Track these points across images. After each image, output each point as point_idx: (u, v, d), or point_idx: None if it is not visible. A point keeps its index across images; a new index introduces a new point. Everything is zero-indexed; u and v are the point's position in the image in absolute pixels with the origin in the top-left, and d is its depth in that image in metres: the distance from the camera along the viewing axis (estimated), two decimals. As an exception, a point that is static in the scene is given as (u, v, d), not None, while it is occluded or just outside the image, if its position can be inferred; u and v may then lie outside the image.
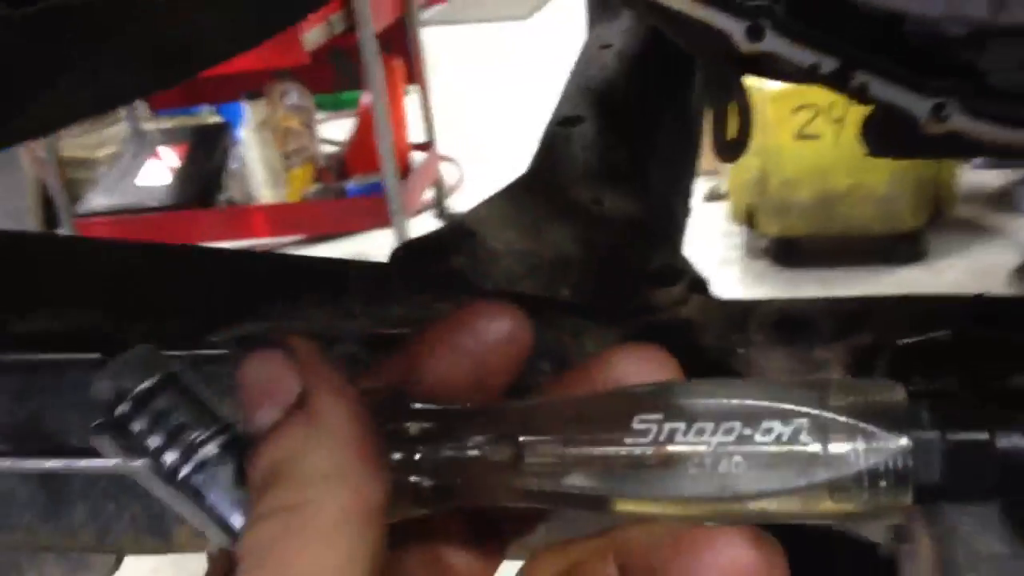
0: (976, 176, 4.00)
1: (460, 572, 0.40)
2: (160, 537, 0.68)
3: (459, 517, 0.40)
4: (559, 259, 0.87)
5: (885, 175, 3.41)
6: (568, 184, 1.01)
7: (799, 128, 3.39)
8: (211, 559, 0.36)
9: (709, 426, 0.34)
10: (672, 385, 0.38)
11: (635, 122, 1.14)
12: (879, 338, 0.77)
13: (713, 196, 4.18)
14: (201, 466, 0.35)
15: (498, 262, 0.84)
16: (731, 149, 0.93)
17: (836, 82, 0.81)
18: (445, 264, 0.82)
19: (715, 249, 3.98)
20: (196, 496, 0.34)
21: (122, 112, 4.19)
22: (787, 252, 3.71)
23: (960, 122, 0.79)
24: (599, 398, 0.38)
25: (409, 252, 0.83)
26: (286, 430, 0.33)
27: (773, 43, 0.80)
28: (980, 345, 0.70)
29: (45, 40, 0.80)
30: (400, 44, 3.84)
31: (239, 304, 0.70)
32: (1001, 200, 3.94)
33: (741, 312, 0.84)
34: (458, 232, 0.86)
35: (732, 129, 0.99)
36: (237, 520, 0.34)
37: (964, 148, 0.81)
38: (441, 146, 4.47)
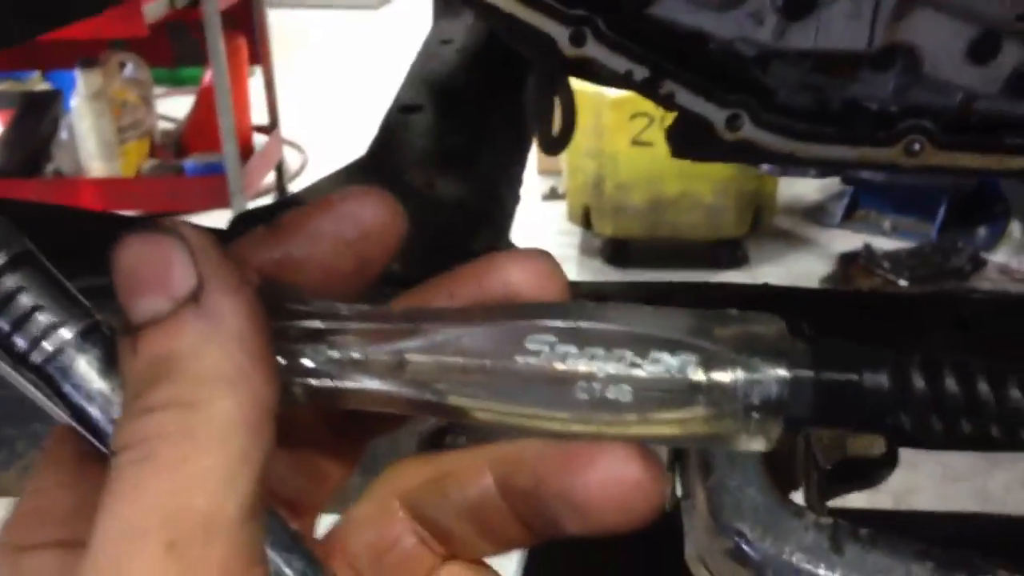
0: (794, 190, 4.29)
1: (323, 469, 0.40)
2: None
3: (323, 414, 0.39)
4: None
5: (711, 185, 3.62)
6: (403, 167, 1.07)
7: (635, 135, 3.55)
8: (54, 439, 0.35)
9: (600, 352, 0.35)
10: (567, 306, 0.37)
11: (470, 113, 1.21)
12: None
13: (552, 195, 4.32)
14: (57, 353, 0.32)
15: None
16: (555, 144, 1.01)
17: (647, 89, 0.91)
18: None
19: (552, 247, 4.10)
20: (50, 383, 0.32)
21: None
22: (620, 253, 3.88)
23: (750, 132, 0.90)
24: (492, 311, 0.37)
25: (242, 224, 0.86)
26: (179, 324, 0.31)
27: (593, 50, 0.89)
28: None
29: None
30: (245, 22, 3.79)
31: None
32: (816, 213, 4.24)
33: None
34: (293, 206, 0.90)
35: (557, 125, 1.07)
36: (96, 412, 0.32)
37: (754, 156, 0.91)
38: (286, 130, 4.43)
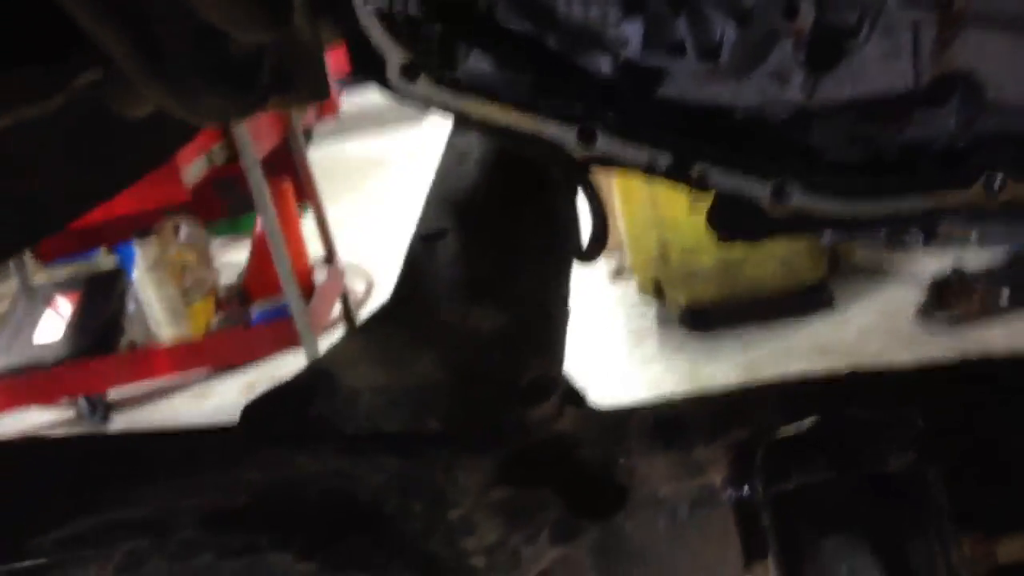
0: (868, 220, 4.10)
1: None
2: None
3: None
4: (425, 388, 0.84)
5: (781, 233, 3.47)
6: (432, 305, 0.98)
7: (692, 197, 3.45)
8: None
9: None
10: None
11: (499, 230, 1.12)
12: (755, 430, 0.74)
13: (619, 272, 4.21)
14: None
15: (358, 402, 0.80)
16: (589, 251, 0.91)
17: (676, 175, 0.81)
18: (301, 413, 0.78)
19: (629, 323, 3.99)
20: None
21: (10, 267, 4.07)
22: (699, 318, 3.73)
23: (802, 200, 0.79)
24: None
25: (262, 407, 0.78)
26: None
27: (606, 145, 0.79)
28: (852, 427, 0.68)
29: None
30: (287, 164, 3.82)
31: (71, 497, 0.64)
32: (886, 241, 4.04)
33: (617, 421, 0.82)
34: (315, 376, 0.82)
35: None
36: None
37: (810, 225, 0.80)
38: (350, 258, 4.44)
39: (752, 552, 0.73)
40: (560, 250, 1.15)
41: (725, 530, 0.73)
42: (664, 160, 0.80)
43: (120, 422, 4.07)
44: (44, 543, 0.58)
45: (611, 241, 3.84)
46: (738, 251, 3.52)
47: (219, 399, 4.08)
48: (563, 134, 0.79)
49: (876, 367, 0.78)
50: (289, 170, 3.84)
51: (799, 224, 0.80)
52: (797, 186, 0.79)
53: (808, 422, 0.70)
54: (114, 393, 4.08)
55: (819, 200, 0.79)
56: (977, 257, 3.72)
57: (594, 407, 0.84)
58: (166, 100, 0.97)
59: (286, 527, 0.63)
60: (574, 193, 0.90)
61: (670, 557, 0.74)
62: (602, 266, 4.27)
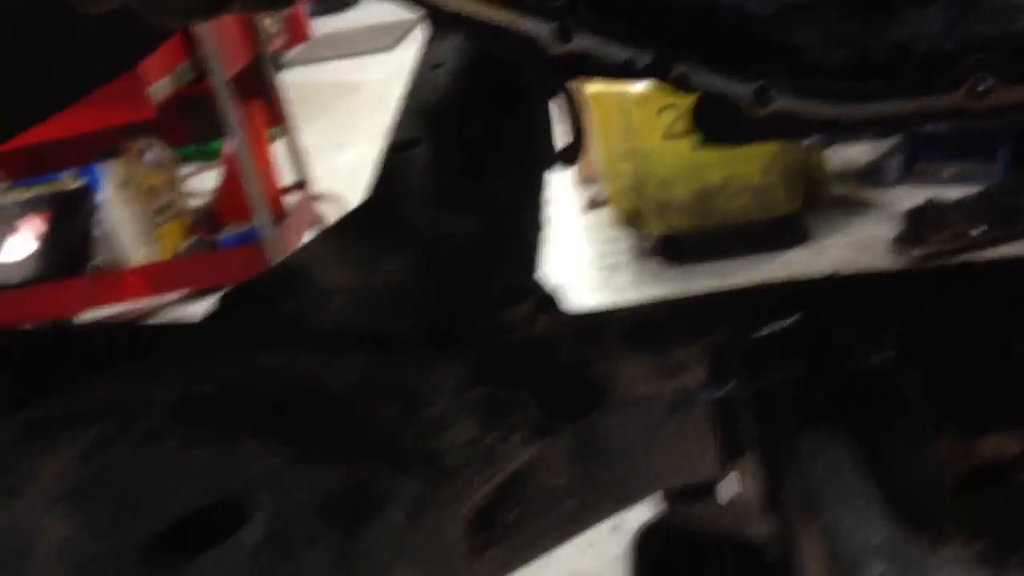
0: (845, 155, 4.10)
1: None
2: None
3: None
4: (397, 291, 0.82)
5: (756, 165, 3.47)
6: (405, 211, 0.96)
7: (667, 127, 3.42)
8: None
9: None
10: None
11: (471, 139, 1.10)
12: (734, 333, 0.74)
13: (594, 204, 4.19)
14: None
15: (330, 301, 0.78)
16: (566, 155, 0.90)
17: (655, 75, 0.79)
18: (273, 309, 0.76)
19: (603, 256, 3.98)
20: None
21: (-26, 188, 3.98)
22: (674, 249, 3.74)
23: (785, 102, 0.77)
24: None
25: (234, 300, 0.76)
26: None
27: (583, 42, 0.77)
28: (831, 327, 0.68)
29: None
30: (258, 87, 3.75)
31: (36, 385, 0.63)
32: (872, 175, 4.05)
33: (594, 324, 0.81)
34: (286, 274, 0.80)
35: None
36: None
37: (792, 129, 0.79)
38: (322, 184, 4.39)
39: (729, 451, 0.73)
40: (534, 160, 1.13)
41: (702, 430, 0.73)
42: (643, 59, 0.78)
43: (89, 346, 4.03)
44: (12, 423, 0.57)
45: (587, 172, 3.82)
46: (714, 182, 3.51)
47: (189, 325, 4.05)
48: (539, 29, 0.77)
49: (856, 271, 0.78)
50: (260, 93, 3.77)
51: (782, 127, 0.79)
52: (780, 87, 0.77)
53: (787, 322, 0.69)
54: (83, 316, 4.04)
55: (802, 102, 0.77)
56: (952, 190, 3.74)
57: (570, 312, 0.83)
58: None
59: (256, 420, 0.62)
60: (548, 97, 0.88)
61: (646, 457, 0.74)
62: (577, 197, 4.25)
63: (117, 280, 3.54)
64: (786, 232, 3.70)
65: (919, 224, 3.55)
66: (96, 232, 3.68)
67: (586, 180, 4.22)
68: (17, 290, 3.53)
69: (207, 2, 1.01)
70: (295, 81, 6.98)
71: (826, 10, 0.73)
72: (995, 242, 3.43)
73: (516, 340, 0.80)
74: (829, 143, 0.81)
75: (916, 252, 3.46)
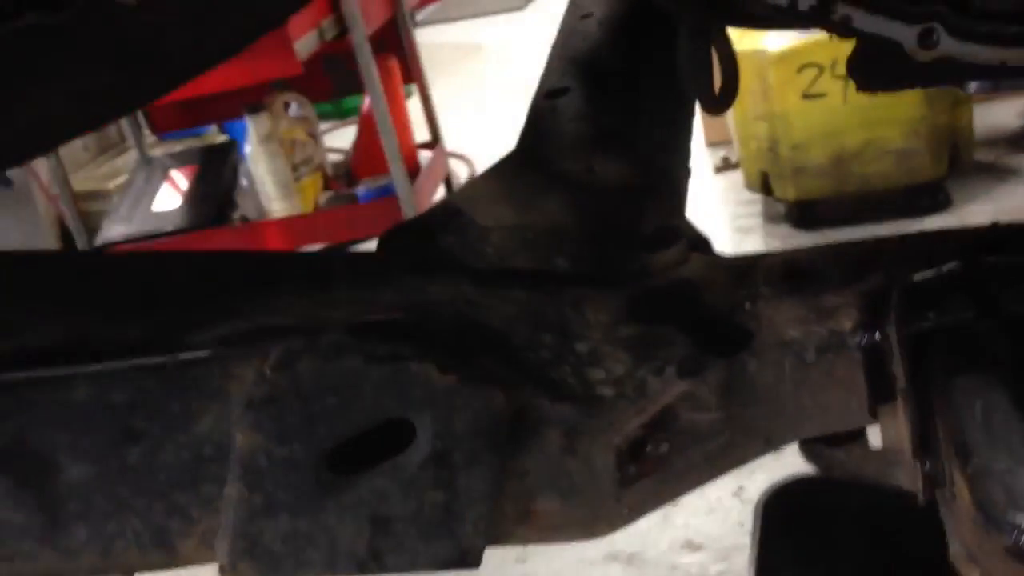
0: (992, 120, 3.92)
1: None
2: (165, 552, 0.67)
3: None
4: (552, 230, 0.85)
5: (899, 128, 3.35)
6: (557, 155, 0.98)
7: (805, 88, 3.33)
8: None
9: None
10: None
11: (621, 87, 1.11)
12: (889, 278, 0.74)
13: (725, 166, 4.13)
14: None
15: (489, 238, 0.82)
16: (719, 101, 0.90)
17: (817, 18, 0.79)
18: (435, 245, 0.80)
19: (734, 219, 3.93)
20: None
21: (129, 140, 4.20)
22: (807, 215, 3.65)
23: (949, 46, 0.76)
24: None
25: (397, 236, 0.81)
26: None
27: (749, -16, 0.77)
28: (993, 272, 0.67)
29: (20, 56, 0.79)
30: (394, 44, 3.82)
31: (220, 304, 0.68)
32: (1020, 141, 3.87)
33: (745, 267, 0.82)
34: (447, 212, 0.84)
35: (719, 82, 0.96)
36: None
37: (955, 73, 0.78)
38: (451, 143, 4.45)
39: (879, 396, 0.73)
40: (683, 108, 1.14)
41: (853, 375, 0.74)
42: (807, 2, 0.78)
43: (231, 294, 4.22)
44: (204, 339, 0.62)
45: (719, 134, 3.75)
46: (852, 146, 3.41)
47: (324, 276, 4.19)
48: (704, -27, 0.78)
49: (1019, 222, 0.77)
50: (396, 49, 3.84)
51: (944, 72, 0.78)
52: (945, 30, 0.76)
53: (945, 268, 0.69)
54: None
55: (967, 46, 0.76)
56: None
57: (721, 254, 0.85)
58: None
59: (425, 344, 0.65)
60: (707, 42, 0.89)
61: (795, 400, 0.75)
62: (707, 158, 4.19)
63: (259, 231, 3.69)
64: (927, 199, 3.56)
65: (1072, 191, 3.38)
66: (240, 184, 3.84)
67: (716, 141, 4.16)
68: (168, 238, 3.72)
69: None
70: (427, 40, 7.07)
71: (999, -48, 0.72)
72: None
73: (668, 279, 0.82)
74: (991, 90, 0.79)
75: (1068, 221, 3.30)
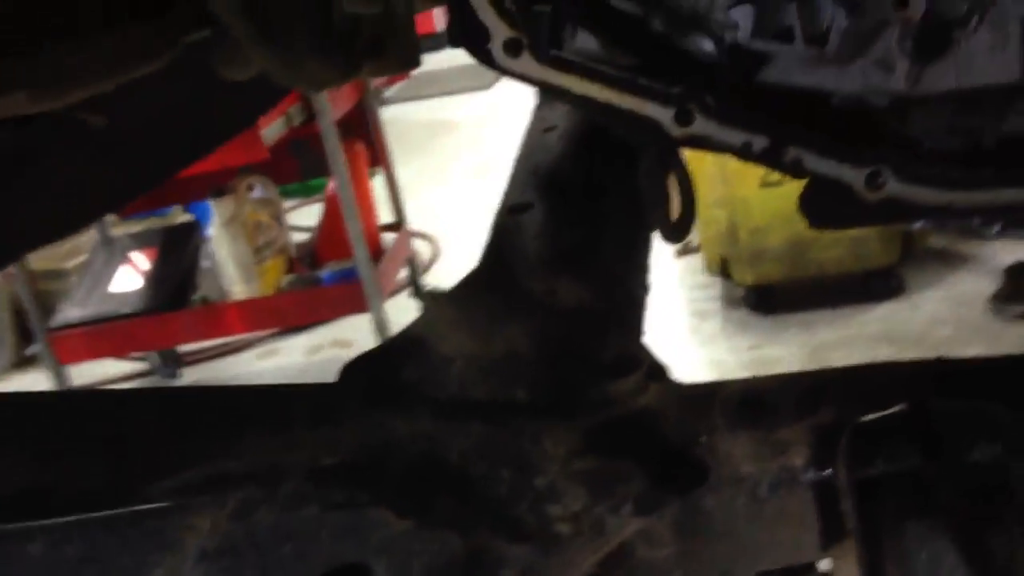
0: (943, 206, 4.01)
1: None
2: None
3: None
4: (513, 358, 0.86)
5: (853, 215, 3.42)
6: (519, 276, 1.00)
7: (763, 176, 3.41)
8: None
9: None
10: None
11: (583, 202, 1.14)
12: (840, 414, 0.75)
13: (685, 249, 4.19)
14: None
15: (450, 369, 0.83)
16: (676, 230, 0.93)
17: (770, 159, 0.82)
18: (395, 377, 0.81)
19: (693, 302, 3.98)
20: None
21: (90, 220, 4.17)
22: (764, 299, 3.71)
23: (896, 188, 0.79)
24: None
25: (359, 367, 0.81)
26: None
27: (703, 127, 0.80)
28: (937, 417, 0.69)
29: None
30: (361, 128, 3.86)
31: (178, 448, 0.68)
32: (971, 229, 3.96)
33: (701, 397, 0.83)
34: (407, 341, 0.85)
35: (676, 207, 0.98)
36: None
37: (903, 213, 0.81)
38: (415, 222, 4.48)
39: (831, 534, 0.74)
40: (643, 226, 1.16)
41: (804, 511, 0.75)
42: (759, 143, 0.81)
43: (190, 376, 4.18)
44: (161, 489, 0.62)
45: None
46: (808, 232, 3.49)
47: (284, 358, 4.17)
48: (661, 114, 0.80)
49: (962, 358, 0.79)
50: (363, 133, 3.88)
51: (892, 212, 0.81)
52: (892, 174, 0.79)
53: (894, 409, 0.71)
54: (184, 347, 4.19)
55: (914, 188, 0.79)
56: (1055, 248, 3.64)
57: (678, 382, 0.86)
58: (271, 64, 0.99)
59: (382, 487, 0.66)
60: (665, 170, 0.91)
61: (748, 535, 0.76)
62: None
63: (219, 313, 3.66)
64: (881, 285, 3.64)
65: (1019, 280, 3.46)
66: (201, 266, 3.82)
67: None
68: (126, 320, 3.68)
69: (340, 72, 1.08)
70: (394, 118, 7.16)
71: (945, 103, 0.75)
72: (1100, 301, 3.33)
73: (626, 410, 0.83)
74: (940, 228, 0.83)
75: (1015, 310, 3.38)
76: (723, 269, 3.73)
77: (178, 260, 3.85)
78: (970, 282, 3.67)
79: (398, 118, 7.48)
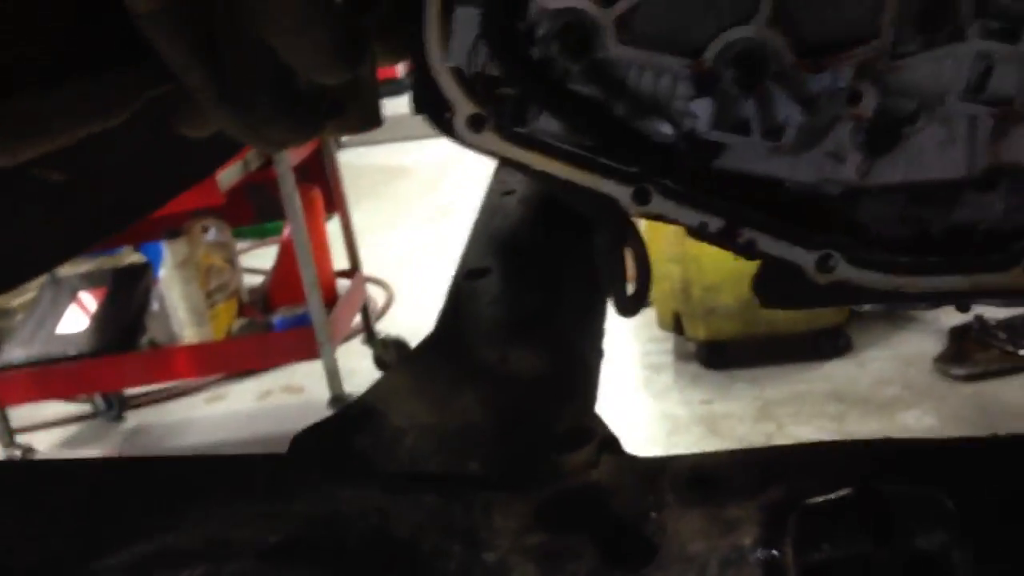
0: (891, 267, 4.09)
1: None
2: None
3: None
4: (466, 429, 0.86)
5: (803, 275, 3.48)
6: (474, 344, 1.00)
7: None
8: None
9: None
10: None
11: (540, 269, 1.14)
12: (790, 493, 0.76)
13: (639, 303, 4.22)
14: None
15: (402, 440, 0.82)
16: (632, 304, 0.94)
17: (724, 239, 0.83)
18: (347, 448, 0.81)
19: (646, 355, 4.00)
20: None
21: (39, 258, 4.10)
22: (716, 355, 3.75)
23: (846, 272, 0.81)
24: None
25: (310, 438, 0.81)
26: None
27: (660, 206, 0.82)
28: (884, 501, 0.70)
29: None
30: (318, 173, 3.86)
31: (125, 522, 0.67)
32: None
33: (653, 471, 0.83)
34: (360, 411, 0.84)
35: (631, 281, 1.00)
36: None
37: (853, 296, 0.82)
38: (370, 268, 4.47)
39: (779, 614, 0.74)
40: (598, 291, 1.17)
41: (753, 591, 0.75)
42: (714, 224, 0.82)
43: (135, 420, 4.10)
44: (106, 566, 0.60)
45: (632, 271, 3.84)
46: (760, 290, 3.54)
47: (233, 403, 4.11)
48: (619, 191, 0.82)
49: (910, 439, 0.80)
50: (319, 178, 3.88)
51: (842, 294, 0.83)
52: (842, 258, 0.81)
53: (842, 492, 0.72)
54: (130, 390, 4.11)
55: (863, 273, 0.81)
56: (1000, 309, 3.72)
57: (630, 456, 0.86)
58: (232, 126, 0.99)
59: (333, 562, 0.65)
60: (621, 243, 0.93)
61: (698, 614, 0.76)
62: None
63: (168, 358, 3.61)
64: (830, 343, 3.70)
65: (964, 341, 3.53)
66: (151, 308, 3.77)
67: (632, 278, 4.26)
68: (72, 362, 3.61)
69: (301, 134, 1.08)
70: (350, 162, 7.16)
71: (895, 194, 0.77)
72: (1043, 361, 3.41)
73: (578, 483, 0.83)
74: (887, 311, 0.84)
75: (959, 371, 3.44)
76: (676, 324, 3.76)
77: (127, 301, 3.80)
78: (916, 342, 3.74)
79: (354, 162, 7.49)
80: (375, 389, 0.88)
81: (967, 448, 0.80)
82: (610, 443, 0.89)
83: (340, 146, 7.70)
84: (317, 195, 3.86)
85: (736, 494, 0.79)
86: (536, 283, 1.11)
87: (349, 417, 0.83)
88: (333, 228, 4.19)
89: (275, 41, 0.81)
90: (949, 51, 0.67)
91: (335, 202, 4.04)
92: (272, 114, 0.94)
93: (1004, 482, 0.75)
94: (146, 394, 4.18)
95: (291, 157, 3.37)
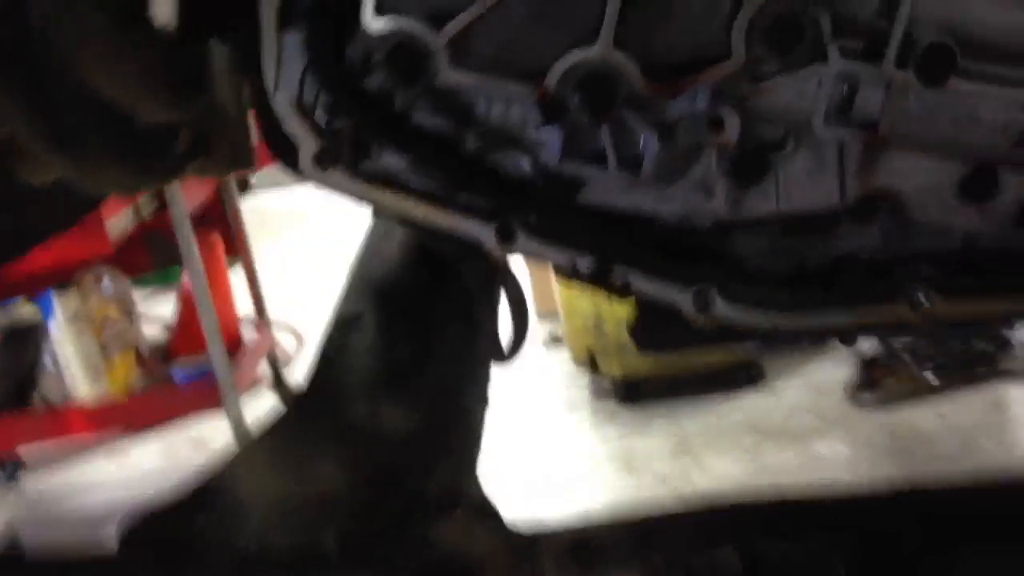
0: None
1: None
2: None
3: None
4: (324, 499, 0.78)
5: (713, 307, 3.48)
6: (344, 400, 0.93)
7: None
8: None
9: None
10: None
11: (417, 316, 1.08)
12: (670, 557, 0.70)
13: (553, 339, 4.18)
14: None
15: (249, 516, 0.74)
16: (508, 351, 0.87)
17: (598, 279, 0.78)
18: (188, 533, 0.72)
19: (561, 393, 3.95)
20: None
21: (-78, 315, 3.89)
22: (631, 391, 3.72)
23: (723, 310, 0.76)
24: None
25: (141, 534, 0.72)
26: None
27: (526, 245, 0.76)
28: (767, 561, 0.65)
29: None
30: (219, 217, 3.74)
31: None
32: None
33: (529, 543, 0.77)
34: (201, 492, 0.76)
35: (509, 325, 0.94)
36: None
37: (732, 336, 0.78)
38: (279, 313, 4.34)
39: None
40: (480, 340, 1.11)
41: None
42: (585, 263, 0.77)
43: (31, 482, 3.89)
44: None
45: (547, 307, 3.79)
46: (672, 323, 3.52)
47: (136, 460, 3.93)
48: (481, 231, 0.76)
49: (803, 494, 0.75)
50: (221, 222, 3.76)
51: (721, 334, 0.78)
52: (718, 295, 0.76)
53: (723, 553, 0.66)
54: (25, 450, 3.91)
55: (741, 311, 0.76)
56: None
57: (505, 523, 0.80)
58: (68, 171, 0.91)
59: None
60: (490, 287, 0.87)
61: None
62: (538, 330, 4.23)
63: (64, 416, 3.44)
64: (742, 376, 3.70)
65: (873, 368, 3.56)
66: (44, 364, 3.59)
67: (549, 311, 4.21)
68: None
69: (152, 175, 1.00)
70: (259, 205, 7.02)
71: (769, 226, 0.73)
72: (948, 388, 3.44)
73: (448, 554, 0.76)
74: (771, 350, 0.80)
75: (870, 398, 3.47)
76: (591, 361, 3.72)
77: (18, 357, 3.61)
78: (828, 370, 3.76)
79: (262, 205, 7.34)
80: (220, 467, 0.80)
81: (865, 501, 0.75)
82: (486, 507, 0.83)
83: (249, 188, 7.55)
84: (217, 240, 3.74)
85: (616, 562, 0.73)
86: (413, 329, 1.05)
87: (187, 500, 0.75)
88: (239, 275, 4.06)
89: (88, 75, 0.74)
90: (811, 72, 0.63)
91: (237, 246, 3.92)
92: (107, 156, 0.86)
93: (903, 534, 0.70)
94: (42, 455, 3.98)
95: (187, 202, 3.25)
